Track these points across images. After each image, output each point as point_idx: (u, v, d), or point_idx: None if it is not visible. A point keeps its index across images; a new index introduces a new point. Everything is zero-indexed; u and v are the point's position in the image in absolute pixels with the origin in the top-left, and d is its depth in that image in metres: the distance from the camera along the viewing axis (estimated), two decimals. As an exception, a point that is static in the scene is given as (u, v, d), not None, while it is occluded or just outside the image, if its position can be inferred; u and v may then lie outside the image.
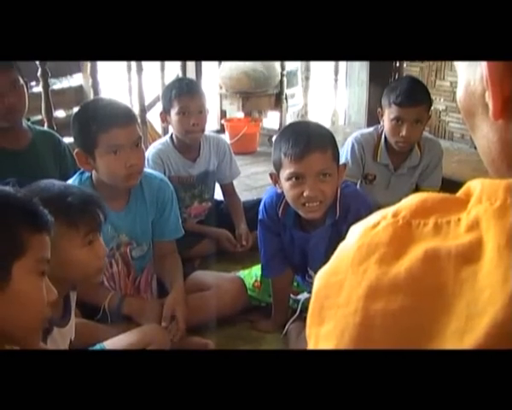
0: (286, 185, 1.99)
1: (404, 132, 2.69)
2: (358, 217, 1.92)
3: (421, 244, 0.50)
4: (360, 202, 2.08)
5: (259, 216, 2.26)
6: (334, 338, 0.52)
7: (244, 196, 3.29)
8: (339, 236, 1.99)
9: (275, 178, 2.06)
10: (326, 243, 2.06)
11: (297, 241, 2.16)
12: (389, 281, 0.50)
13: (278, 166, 2.01)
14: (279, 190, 2.06)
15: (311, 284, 2.20)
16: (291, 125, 2.24)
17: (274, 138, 2.14)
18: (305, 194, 1.94)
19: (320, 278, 0.57)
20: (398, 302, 0.49)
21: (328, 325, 0.54)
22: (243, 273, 2.46)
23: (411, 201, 0.54)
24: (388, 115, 2.72)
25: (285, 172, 1.97)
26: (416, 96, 2.69)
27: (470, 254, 0.48)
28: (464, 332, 0.46)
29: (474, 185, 0.52)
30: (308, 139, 1.94)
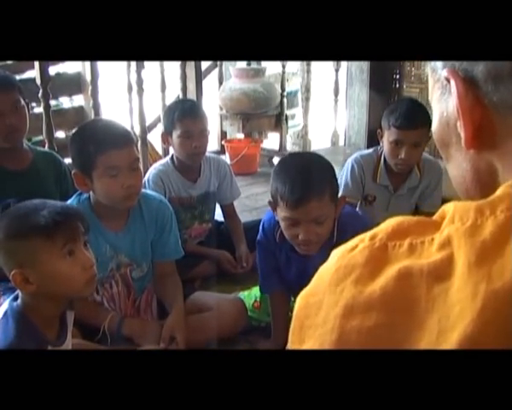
0: (282, 224, 1.98)
1: (403, 155, 2.69)
2: (356, 236, 1.90)
3: (395, 264, 0.52)
4: (358, 222, 2.07)
5: (258, 237, 2.26)
6: None
7: (244, 216, 3.29)
8: None
9: (273, 207, 2.04)
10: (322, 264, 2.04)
11: (294, 263, 2.16)
12: (364, 299, 0.52)
13: (275, 203, 1.99)
14: (277, 218, 2.04)
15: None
16: (289, 159, 2.12)
17: (273, 166, 2.09)
18: (300, 237, 1.93)
19: (301, 298, 0.60)
20: (372, 319, 0.51)
21: (308, 343, 0.56)
22: (243, 294, 2.45)
23: (388, 224, 0.56)
24: (388, 137, 2.72)
25: (281, 214, 1.96)
26: (416, 119, 2.69)
27: (442, 271, 0.50)
28: (436, 346, 0.47)
29: (448, 208, 0.54)
30: (305, 186, 1.89)
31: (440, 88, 0.62)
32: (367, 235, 0.57)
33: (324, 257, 2.24)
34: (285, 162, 2.07)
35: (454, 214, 0.53)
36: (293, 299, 2.32)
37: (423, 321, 0.49)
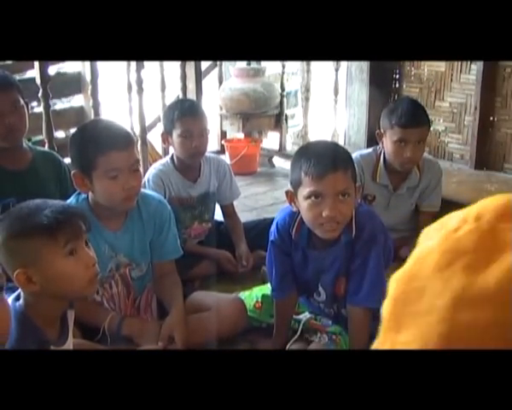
0: (304, 204, 1.96)
1: (408, 153, 2.71)
2: (373, 236, 1.97)
3: (509, 252, 0.47)
4: (374, 221, 2.07)
5: (271, 237, 2.22)
6: (415, 347, 0.49)
7: (244, 216, 3.28)
8: (353, 254, 2.02)
9: (291, 196, 2.03)
10: (340, 261, 2.06)
11: (311, 260, 2.14)
12: (478, 292, 0.47)
13: (297, 185, 1.98)
14: (294, 209, 2.04)
15: (319, 302, 2.20)
16: (310, 144, 2.22)
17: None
18: (323, 214, 1.91)
19: (398, 281, 0.54)
20: (487, 314, 0.46)
21: (407, 332, 0.51)
22: (244, 294, 2.44)
23: (494, 203, 0.51)
24: (391, 137, 2.73)
25: (304, 191, 1.94)
26: (418, 117, 2.72)
27: None
28: None
29: None
30: (330, 158, 1.93)
31: None
32: (469, 215, 0.51)
33: (342, 253, 2.28)
34: (305, 147, 2.14)
35: None
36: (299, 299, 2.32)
37: None
